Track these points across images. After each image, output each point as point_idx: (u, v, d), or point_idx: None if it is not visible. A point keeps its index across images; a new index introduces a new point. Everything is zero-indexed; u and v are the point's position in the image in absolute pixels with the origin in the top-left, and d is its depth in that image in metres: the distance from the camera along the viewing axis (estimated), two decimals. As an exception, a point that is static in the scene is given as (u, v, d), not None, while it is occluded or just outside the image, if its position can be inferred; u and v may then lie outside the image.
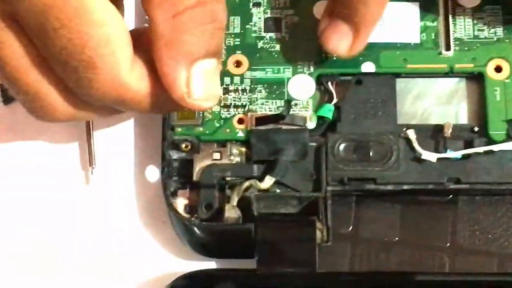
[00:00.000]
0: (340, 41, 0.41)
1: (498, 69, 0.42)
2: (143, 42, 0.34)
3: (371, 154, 0.41)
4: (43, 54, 0.34)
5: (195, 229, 0.41)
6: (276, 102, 0.43)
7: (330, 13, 0.41)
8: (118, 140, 0.45)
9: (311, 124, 0.42)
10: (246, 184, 0.41)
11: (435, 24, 0.43)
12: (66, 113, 0.36)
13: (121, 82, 0.33)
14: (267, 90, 0.43)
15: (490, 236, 0.42)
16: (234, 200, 0.41)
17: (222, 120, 0.42)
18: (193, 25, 0.33)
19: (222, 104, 0.43)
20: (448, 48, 0.43)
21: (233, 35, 0.44)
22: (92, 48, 0.32)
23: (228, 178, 0.41)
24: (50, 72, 0.34)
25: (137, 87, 0.34)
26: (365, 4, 0.39)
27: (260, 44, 0.43)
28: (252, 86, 0.43)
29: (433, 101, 0.43)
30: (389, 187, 0.41)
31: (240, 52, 0.43)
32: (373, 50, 0.43)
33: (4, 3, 0.32)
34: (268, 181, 0.41)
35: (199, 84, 0.34)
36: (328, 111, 0.42)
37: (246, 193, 0.41)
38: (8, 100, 0.45)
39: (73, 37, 0.32)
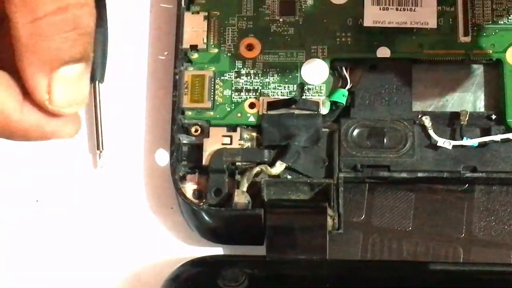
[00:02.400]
0: None
1: (517, 55, 0.41)
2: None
3: (385, 140, 0.41)
4: None
5: (204, 214, 0.40)
6: (288, 86, 0.42)
7: None
8: (128, 123, 0.44)
9: (324, 109, 0.41)
10: (257, 169, 0.40)
11: (453, 9, 0.42)
12: None
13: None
14: (279, 74, 0.42)
15: (506, 227, 0.41)
16: (244, 186, 0.40)
17: (233, 104, 0.42)
18: (53, 32, 0.31)
19: (233, 88, 0.42)
20: (466, 33, 0.42)
21: (245, 18, 0.43)
22: None
23: (238, 163, 0.41)
24: None
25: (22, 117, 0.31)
26: None
27: (273, 28, 0.43)
28: (265, 70, 0.42)
29: (449, 88, 0.42)
30: (403, 175, 0.40)
31: (252, 35, 0.43)
32: (388, 35, 0.42)
33: None
34: (279, 167, 0.40)
35: (60, 91, 0.32)
36: (341, 96, 0.41)
37: (256, 179, 0.40)
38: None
39: None
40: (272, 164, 0.40)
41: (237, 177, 0.41)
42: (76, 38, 0.32)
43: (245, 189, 0.40)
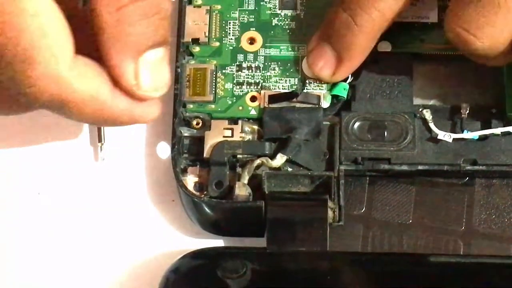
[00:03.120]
0: (322, 67, 0.41)
1: (518, 50, 0.41)
2: (86, 40, 0.33)
3: (386, 133, 0.41)
4: None
5: (205, 206, 0.40)
6: (290, 80, 0.42)
7: (320, 35, 0.41)
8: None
9: (325, 103, 0.41)
10: (258, 162, 0.40)
11: (453, 3, 0.42)
12: None
13: (60, 79, 0.32)
14: (281, 67, 0.42)
15: (506, 220, 0.41)
16: (245, 178, 0.40)
17: (234, 98, 0.42)
18: (138, 18, 0.32)
19: (235, 81, 0.42)
20: (466, 27, 0.42)
21: (247, 12, 0.43)
22: (27, 40, 0.31)
23: (239, 156, 0.41)
24: None
25: (78, 86, 0.32)
26: (352, 33, 0.39)
27: (274, 21, 0.43)
28: (266, 63, 0.42)
29: (450, 81, 0.42)
30: (404, 167, 0.40)
31: (254, 29, 0.43)
32: (389, 29, 0.42)
33: None
34: (279, 159, 0.40)
35: (147, 75, 0.34)
36: (342, 89, 0.41)
37: (257, 171, 0.40)
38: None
39: (6, 28, 0.30)
40: (273, 156, 0.40)
41: (238, 169, 0.41)
42: (158, 23, 0.33)
43: (246, 181, 0.40)
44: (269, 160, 0.40)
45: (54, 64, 0.31)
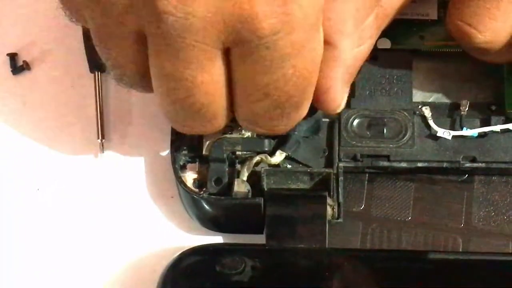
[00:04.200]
0: None
1: (518, 47, 0.41)
2: None
3: (385, 130, 0.41)
4: (241, 91, 0.34)
5: (204, 203, 0.40)
6: (289, 76, 0.42)
7: None
8: (129, 112, 0.44)
9: (325, 100, 0.41)
10: (257, 158, 0.40)
11: (453, 0, 0.42)
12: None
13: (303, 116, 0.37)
14: (280, 64, 0.42)
15: (505, 217, 0.41)
16: (244, 175, 0.40)
17: (234, 94, 0.42)
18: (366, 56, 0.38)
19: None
20: (466, 24, 0.42)
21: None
22: (308, 91, 0.35)
23: (238, 152, 0.41)
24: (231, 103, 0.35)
25: None
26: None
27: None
28: (265, 60, 0.42)
29: (450, 78, 0.42)
30: (403, 164, 0.40)
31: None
32: (389, 26, 0.42)
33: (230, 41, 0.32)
34: (278, 156, 0.40)
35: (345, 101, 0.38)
36: (342, 86, 0.41)
37: (256, 168, 0.40)
38: (17, 70, 0.45)
39: (300, 84, 0.34)
40: (272, 153, 0.40)
41: (237, 166, 0.41)
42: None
43: (245, 178, 0.40)
44: (268, 157, 0.40)
45: None
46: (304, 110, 0.36)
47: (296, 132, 0.40)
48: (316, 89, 0.36)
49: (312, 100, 0.36)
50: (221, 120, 0.36)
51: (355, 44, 0.36)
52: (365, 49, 0.37)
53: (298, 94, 0.34)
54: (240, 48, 0.32)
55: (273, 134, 0.38)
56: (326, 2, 0.34)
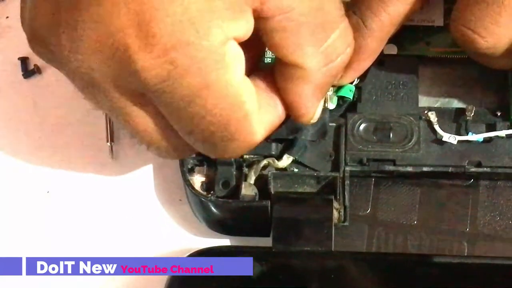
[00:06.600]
0: None
1: (523, 53, 0.42)
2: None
3: (391, 135, 0.41)
4: (174, 126, 0.35)
5: (211, 205, 0.41)
6: (296, 81, 0.42)
7: None
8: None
9: (331, 104, 0.42)
10: (264, 162, 0.41)
11: (459, 6, 0.43)
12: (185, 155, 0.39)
13: (255, 142, 0.36)
14: (287, 69, 0.42)
15: (510, 222, 0.41)
16: (252, 178, 0.41)
17: (241, 99, 0.42)
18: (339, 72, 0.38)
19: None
20: (472, 31, 0.42)
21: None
22: (233, 126, 0.34)
23: (245, 156, 0.41)
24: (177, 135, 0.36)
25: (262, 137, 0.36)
26: (362, 36, 0.39)
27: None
28: (273, 65, 0.43)
29: (455, 84, 0.42)
30: (409, 169, 0.40)
31: (261, 31, 0.43)
32: (395, 32, 0.42)
33: (141, 89, 0.33)
34: (286, 160, 0.41)
35: (319, 112, 0.38)
36: (348, 91, 0.42)
37: (264, 172, 0.41)
38: (28, 74, 0.45)
39: (216, 121, 0.34)
40: (279, 157, 0.41)
41: (245, 169, 0.41)
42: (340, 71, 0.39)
43: (252, 181, 0.41)
44: (276, 160, 0.41)
45: (252, 136, 0.35)
46: (243, 141, 0.35)
47: (303, 137, 0.41)
48: (287, 105, 0.36)
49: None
50: (177, 152, 0.37)
51: (322, 64, 0.35)
52: (335, 66, 0.36)
53: (220, 129, 0.34)
54: (148, 95, 0.33)
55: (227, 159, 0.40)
56: (280, 31, 0.34)
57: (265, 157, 0.41)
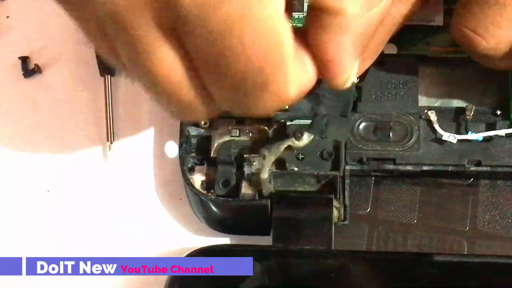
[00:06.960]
0: None
1: (523, 52, 0.42)
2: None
3: (391, 134, 0.41)
4: (202, 71, 0.32)
5: (211, 204, 0.41)
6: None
7: None
8: (138, 115, 0.45)
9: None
10: (285, 144, 0.40)
11: (459, 6, 0.43)
12: (209, 114, 0.34)
13: (288, 98, 0.32)
14: (288, 68, 0.42)
15: (510, 221, 0.41)
16: (266, 172, 0.40)
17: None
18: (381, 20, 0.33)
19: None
20: (471, 31, 0.42)
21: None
22: (269, 70, 0.31)
23: (245, 155, 0.41)
24: (203, 86, 0.32)
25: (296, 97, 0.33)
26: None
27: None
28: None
29: (455, 83, 0.43)
30: (408, 168, 0.41)
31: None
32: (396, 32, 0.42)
33: (173, 22, 0.30)
34: (306, 139, 0.40)
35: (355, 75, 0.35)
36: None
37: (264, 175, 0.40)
38: (28, 73, 0.45)
39: (251, 62, 0.30)
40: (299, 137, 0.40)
41: (245, 168, 0.41)
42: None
43: (266, 175, 0.40)
44: (295, 141, 0.40)
45: (285, 88, 0.32)
46: (276, 92, 0.32)
47: (324, 112, 0.38)
48: (320, 61, 0.33)
49: (319, 73, 0.33)
50: (201, 107, 0.33)
51: (365, 7, 0.32)
52: (378, 12, 0.32)
53: (254, 73, 0.31)
54: (180, 29, 0.30)
55: (255, 116, 0.34)
56: None
57: (284, 138, 0.40)
